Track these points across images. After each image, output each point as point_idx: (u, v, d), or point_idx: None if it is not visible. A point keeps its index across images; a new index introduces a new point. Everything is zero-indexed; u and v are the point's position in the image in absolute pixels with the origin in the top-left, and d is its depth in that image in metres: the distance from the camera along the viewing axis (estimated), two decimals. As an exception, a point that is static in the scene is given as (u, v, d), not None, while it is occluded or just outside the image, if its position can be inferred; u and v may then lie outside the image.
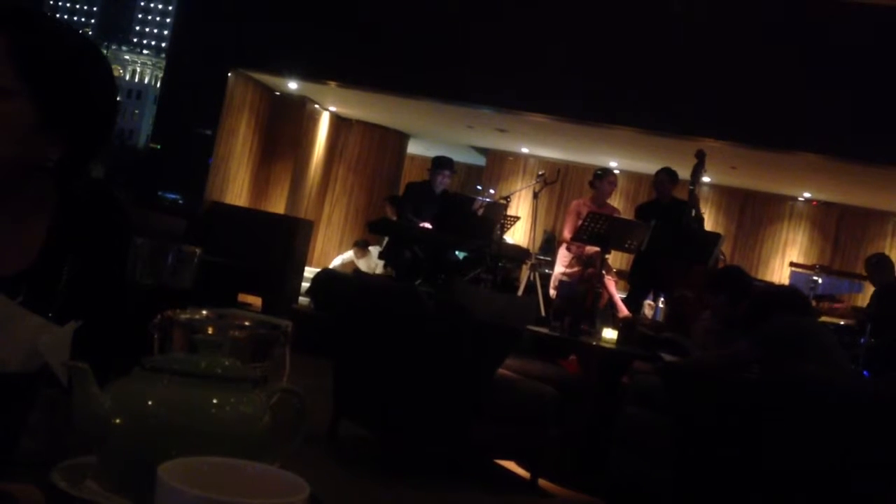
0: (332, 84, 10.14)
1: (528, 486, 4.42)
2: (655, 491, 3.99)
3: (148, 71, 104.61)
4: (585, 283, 7.05)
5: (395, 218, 9.45)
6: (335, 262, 10.71)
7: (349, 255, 10.55)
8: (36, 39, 1.24)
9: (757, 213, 12.53)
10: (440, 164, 7.80)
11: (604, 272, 7.12)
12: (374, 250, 10.16)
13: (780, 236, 12.42)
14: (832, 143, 8.60)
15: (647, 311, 8.56)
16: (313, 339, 4.90)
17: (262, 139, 11.26)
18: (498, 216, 7.69)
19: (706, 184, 11.97)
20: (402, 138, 13.06)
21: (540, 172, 8.83)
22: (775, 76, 8.68)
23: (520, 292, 8.15)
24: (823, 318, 7.21)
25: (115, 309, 1.26)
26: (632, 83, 9.03)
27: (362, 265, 10.23)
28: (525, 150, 12.91)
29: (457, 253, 7.94)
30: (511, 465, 4.70)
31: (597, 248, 6.83)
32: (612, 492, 4.34)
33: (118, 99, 1.37)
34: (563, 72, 9.17)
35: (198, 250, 1.15)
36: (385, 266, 8.30)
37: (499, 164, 13.45)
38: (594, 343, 5.08)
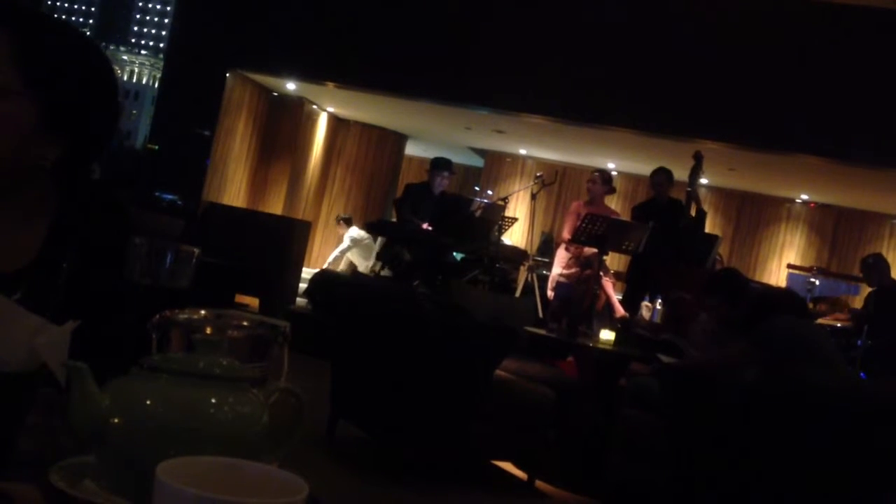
0: (330, 85, 10.14)
1: (525, 487, 4.42)
2: (653, 492, 3.99)
3: (146, 71, 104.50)
4: (583, 284, 7.05)
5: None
6: (331, 257, 10.78)
7: (342, 246, 10.67)
8: (38, 38, 1.24)
9: (754, 215, 12.54)
10: (439, 165, 7.79)
11: (601, 273, 7.13)
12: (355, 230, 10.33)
13: (778, 238, 12.43)
14: (830, 146, 8.61)
15: (645, 312, 8.55)
16: (311, 340, 4.92)
17: (260, 140, 11.25)
18: (496, 217, 7.69)
19: (704, 185, 11.98)
20: (400, 139, 13.06)
21: (538, 174, 8.83)
22: (774, 78, 8.69)
23: (517, 293, 8.15)
24: (820, 321, 7.21)
25: (113, 309, 1.26)
26: (630, 85, 9.04)
27: (348, 239, 10.36)
28: (523, 151, 12.91)
29: (455, 254, 7.94)
30: (508, 467, 4.69)
31: (594, 250, 6.83)
32: (609, 493, 4.34)
33: (120, 100, 1.36)
34: (561, 73, 9.18)
35: (196, 250, 1.15)
36: (382, 267, 8.30)
37: (497, 166, 13.45)
38: (591, 344, 5.08)
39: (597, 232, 6.40)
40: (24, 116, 1.22)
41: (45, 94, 1.23)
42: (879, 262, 7.31)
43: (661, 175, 7.47)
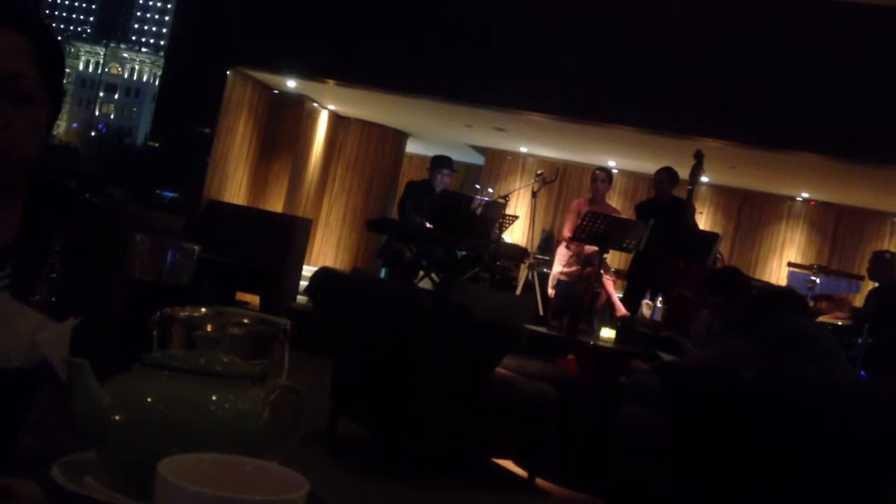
0: (331, 82, 10.13)
1: (525, 484, 4.42)
2: (653, 490, 4.00)
3: (146, 69, 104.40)
4: (584, 282, 7.05)
5: None
6: None
7: None
8: (49, 46, 1.29)
9: (755, 213, 12.53)
10: (439, 163, 7.79)
11: (602, 271, 7.13)
12: None
13: (779, 236, 12.43)
14: (831, 143, 8.61)
15: (646, 310, 8.57)
16: (311, 338, 4.91)
17: (261, 137, 11.25)
18: (496, 215, 7.68)
19: (704, 183, 11.97)
20: (400, 137, 13.05)
21: (539, 171, 8.83)
22: (774, 76, 8.68)
23: (518, 291, 8.15)
24: (821, 319, 7.21)
25: (108, 304, 1.27)
26: (631, 82, 9.03)
27: None
28: (524, 149, 12.91)
29: (455, 252, 7.93)
30: (509, 464, 4.70)
31: (595, 248, 6.83)
32: (609, 491, 4.34)
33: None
34: (562, 71, 9.17)
35: (197, 248, 1.16)
36: (383, 265, 8.29)
37: (497, 163, 13.44)
38: (592, 342, 5.08)
39: (597, 230, 6.40)
40: (46, 123, 1.28)
41: (55, 99, 1.29)
42: (893, 260, 7.23)
43: (663, 174, 7.49)
